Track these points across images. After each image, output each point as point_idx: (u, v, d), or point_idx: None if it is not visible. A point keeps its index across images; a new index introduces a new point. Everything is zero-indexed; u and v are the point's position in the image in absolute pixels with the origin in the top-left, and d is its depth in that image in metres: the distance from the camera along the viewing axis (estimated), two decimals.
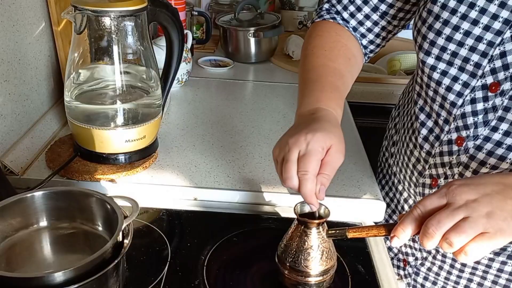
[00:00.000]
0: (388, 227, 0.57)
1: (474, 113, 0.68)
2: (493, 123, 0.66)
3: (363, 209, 0.81)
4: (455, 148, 0.71)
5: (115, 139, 0.82)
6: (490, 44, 0.64)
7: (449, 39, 0.67)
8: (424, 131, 0.77)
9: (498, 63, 0.64)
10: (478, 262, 0.76)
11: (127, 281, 0.64)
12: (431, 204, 0.52)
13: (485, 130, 0.67)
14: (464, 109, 0.69)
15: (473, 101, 0.68)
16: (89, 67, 0.83)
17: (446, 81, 0.70)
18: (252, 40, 1.43)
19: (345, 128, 1.06)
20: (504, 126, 0.65)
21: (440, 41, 0.68)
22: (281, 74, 1.40)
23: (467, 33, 0.66)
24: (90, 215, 0.64)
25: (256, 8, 1.51)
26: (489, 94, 0.66)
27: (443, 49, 0.69)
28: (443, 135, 0.73)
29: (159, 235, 0.73)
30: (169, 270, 0.67)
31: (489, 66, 0.65)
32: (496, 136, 0.66)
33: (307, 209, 0.64)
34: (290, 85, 1.32)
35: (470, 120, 0.68)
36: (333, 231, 0.62)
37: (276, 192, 0.82)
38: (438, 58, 0.70)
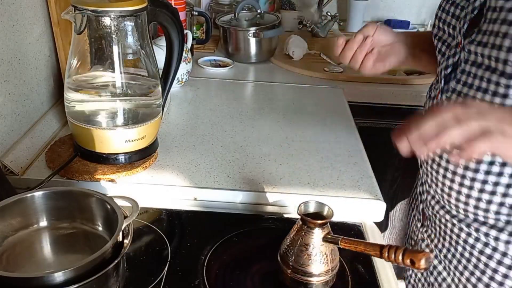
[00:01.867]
0: (380, 248, 0.58)
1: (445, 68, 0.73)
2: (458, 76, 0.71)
3: (363, 209, 0.81)
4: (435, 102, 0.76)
5: (115, 139, 0.82)
6: None
7: None
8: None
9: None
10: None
11: (127, 281, 0.64)
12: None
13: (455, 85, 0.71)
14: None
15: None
16: (89, 67, 0.83)
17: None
18: (252, 40, 1.42)
19: (345, 128, 1.06)
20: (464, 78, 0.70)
21: None
22: (281, 74, 1.40)
23: None
24: (90, 215, 0.64)
25: (256, 8, 1.51)
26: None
27: None
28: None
29: (159, 235, 0.73)
30: (169, 270, 0.67)
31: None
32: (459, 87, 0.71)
33: (311, 209, 0.65)
34: (290, 85, 1.32)
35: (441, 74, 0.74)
36: (329, 236, 0.63)
37: (276, 192, 0.82)
38: None
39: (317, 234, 0.63)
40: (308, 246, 0.63)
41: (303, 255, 0.63)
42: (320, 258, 0.63)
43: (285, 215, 0.80)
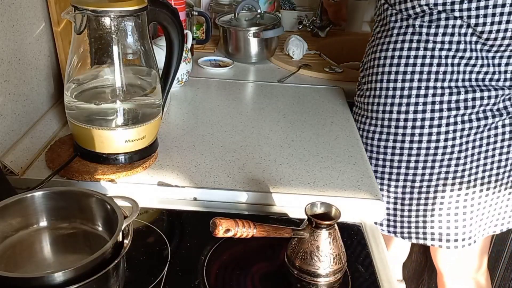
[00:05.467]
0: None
1: None
2: None
3: (363, 209, 0.81)
4: None
5: (115, 139, 0.82)
6: None
7: None
8: None
9: None
10: None
11: (127, 281, 0.64)
12: None
13: None
14: None
15: None
16: (89, 67, 0.83)
17: None
18: (252, 40, 1.43)
19: (345, 128, 1.06)
20: None
21: None
22: (281, 74, 1.40)
23: None
24: (90, 215, 0.64)
25: (256, 8, 1.51)
26: None
27: None
28: None
29: (159, 235, 0.73)
30: (169, 270, 0.67)
31: None
32: None
33: (318, 209, 0.65)
34: (290, 85, 1.32)
35: None
36: None
37: (276, 192, 0.82)
38: None
39: (324, 235, 0.63)
40: (315, 247, 0.63)
41: (310, 256, 0.63)
42: (327, 259, 0.63)
43: (285, 215, 0.80)
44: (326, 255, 0.63)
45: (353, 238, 0.76)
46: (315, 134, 1.03)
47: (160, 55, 0.92)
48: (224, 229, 0.61)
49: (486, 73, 0.95)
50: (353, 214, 0.81)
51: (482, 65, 0.94)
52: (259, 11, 1.50)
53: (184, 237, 0.74)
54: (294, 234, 0.65)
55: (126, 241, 0.58)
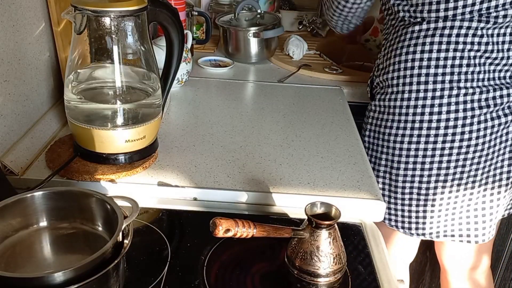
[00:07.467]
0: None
1: None
2: None
3: (363, 209, 0.81)
4: None
5: (115, 139, 0.82)
6: None
7: None
8: None
9: None
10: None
11: (127, 281, 0.64)
12: None
13: None
14: None
15: None
16: (89, 67, 0.83)
17: None
18: (252, 40, 1.42)
19: (345, 128, 1.06)
20: None
21: None
22: (281, 74, 1.40)
23: None
24: (90, 215, 0.64)
25: (256, 8, 1.51)
26: None
27: None
28: None
29: (159, 235, 0.73)
30: (169, 270, 0.67)
31: None
32: None
33: (318, 209, 0.65)
34: (290, 85, 1.32)
35: None
36: None
37: (276, 192, 0.82)
38: None
39: (324, 235, 0.63)
40: (315, 247, 0.63)
41: (310, 256, 0.63)
42: (327, 259, 0.63)
43: (285, 215, 0.80)
44: (326, 255, 0.63)
45: (353, 238, 0.76)
46: (315, 134, 1.03)
47: (160, 55, 0.92)
48: (224, 229, 0.61)
49: (507, 71, 0.97)
50: (353, 214, 0.81)
51: (505, 64, 0.97)
52: (259, 11, 1.50)
53: (184, 237, 0.74)
54: (294, 234, 0.65)
55: (126, 241, 0.58)
